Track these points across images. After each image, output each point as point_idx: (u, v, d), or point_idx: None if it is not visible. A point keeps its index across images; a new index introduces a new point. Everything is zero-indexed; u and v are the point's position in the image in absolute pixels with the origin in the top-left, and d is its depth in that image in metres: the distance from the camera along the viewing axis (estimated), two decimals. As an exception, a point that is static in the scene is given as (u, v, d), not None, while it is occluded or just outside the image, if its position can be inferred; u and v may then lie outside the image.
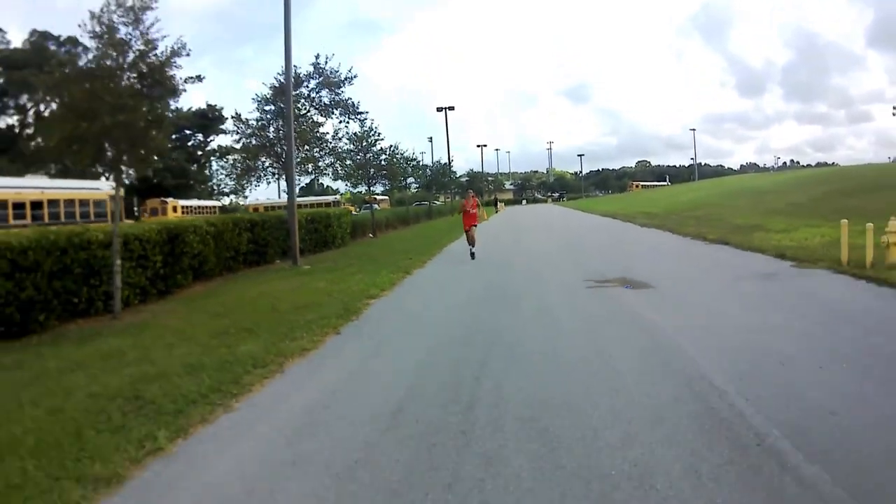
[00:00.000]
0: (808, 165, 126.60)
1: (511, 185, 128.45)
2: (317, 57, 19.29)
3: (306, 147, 19.21)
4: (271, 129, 18.59)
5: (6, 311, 8.22)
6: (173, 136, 56.60)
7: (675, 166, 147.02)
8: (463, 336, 6.95)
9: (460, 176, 73.83)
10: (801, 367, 5.11)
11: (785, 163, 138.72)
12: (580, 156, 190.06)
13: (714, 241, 15.83)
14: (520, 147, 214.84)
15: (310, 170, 20.96)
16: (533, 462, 3.55)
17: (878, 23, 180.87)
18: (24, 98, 48.51)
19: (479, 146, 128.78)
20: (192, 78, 10.62)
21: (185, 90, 10.55)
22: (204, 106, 58.18)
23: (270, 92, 18.07)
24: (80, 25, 9.04)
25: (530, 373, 5.34)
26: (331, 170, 22.59)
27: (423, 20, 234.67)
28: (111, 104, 8.81)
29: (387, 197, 67.35)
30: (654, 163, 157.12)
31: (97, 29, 9.07)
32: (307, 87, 18.87)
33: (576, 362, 5.60)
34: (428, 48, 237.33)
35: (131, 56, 9.24)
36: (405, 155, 33.05)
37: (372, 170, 26.90)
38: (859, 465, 3.29)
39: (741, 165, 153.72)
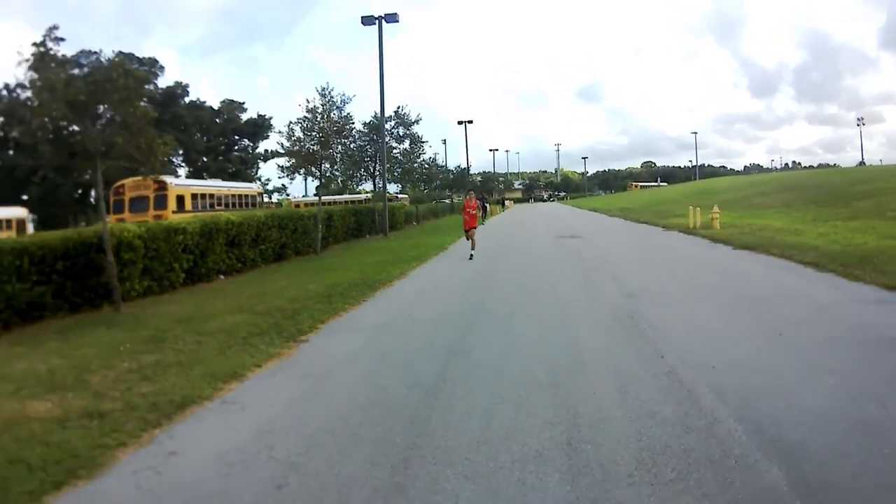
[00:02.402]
0: (810, 167, 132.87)
1: (520, 184, 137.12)
2: (398, 108, 29.41)
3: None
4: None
5: (279, 250, 17.64)
6: (227, 142, 66.50)
7: (679, 167, 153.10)
8: (492, 251, 16.49)
9: (475, 176, 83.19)
10: (633, 255, 14.65)
11: (787, 164, 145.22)
12: (584, 158, 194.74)
13: (641, 222, 25.47)
14: (530, 146, 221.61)
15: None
16: (516, 290, 13.06)
17: (891, 24, 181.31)
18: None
19: (491, 150, 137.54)
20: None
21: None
22: (255, 115, 67.60)
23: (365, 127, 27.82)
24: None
25: (521, 264, 14.83)
26: (389, 175, 32.22)
27: (435, 19, 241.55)
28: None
29: (406, 196, 76.79)
30: (660, 163, 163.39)
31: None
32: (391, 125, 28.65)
33: (540, 259, 15.12)
34: (439, 48, 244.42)
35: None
36: (437, 163, 42.61)
37: (416, 175, 36.56)
38: (662, 298, 12.84)
39: (745, 167, 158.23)
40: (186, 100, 52.30)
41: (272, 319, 8.16)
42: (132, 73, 10.09)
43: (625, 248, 16.44)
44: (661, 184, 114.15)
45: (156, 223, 13.07)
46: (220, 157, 66.21)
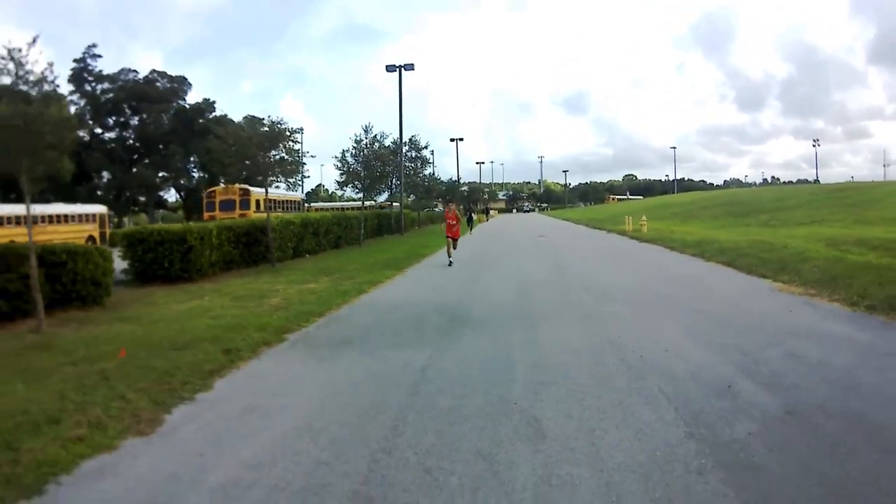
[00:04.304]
0: (789, 182, 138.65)
1: (504, 195, 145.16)
2: (412, 137, 36.91)
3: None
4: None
5: (336, 240, 25.01)
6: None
7: (659, 180, 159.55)
8: (487, 241, 24.12)
9: (462, 187, 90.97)
10: (574, 243, 22.40)
11: (766, 179, 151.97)
12: (565, 171, 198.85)
13: (597, 228, 33.33)
14: (515, 156, 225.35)
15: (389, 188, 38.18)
16: (502, 253, 20.73)
17: (880, 39, 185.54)
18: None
19: (478, 163, 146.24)
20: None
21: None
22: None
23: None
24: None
25: (504, 245, 22.48)
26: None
27: (422, 28, 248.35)
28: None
29: (397, 203, 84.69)
30: (644, 175, 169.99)
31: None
32: (405, 148, 36.26)
33: (516, 244, 22.80)
34: (427, 59, 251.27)
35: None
36: (436, 177, 50.34)
37: (420, 188, 44.17)
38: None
39: (724, 181, 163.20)
40: (211, 115, 59.22)
41: (374, 270, 15.66)
42: (283, 132, 17.45)
43: (571, 241, 24.31)
44: (636, 197, 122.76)
45: (277, 218, 20.25)
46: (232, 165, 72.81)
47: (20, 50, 8.52)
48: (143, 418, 4.67)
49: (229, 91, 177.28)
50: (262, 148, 16.92)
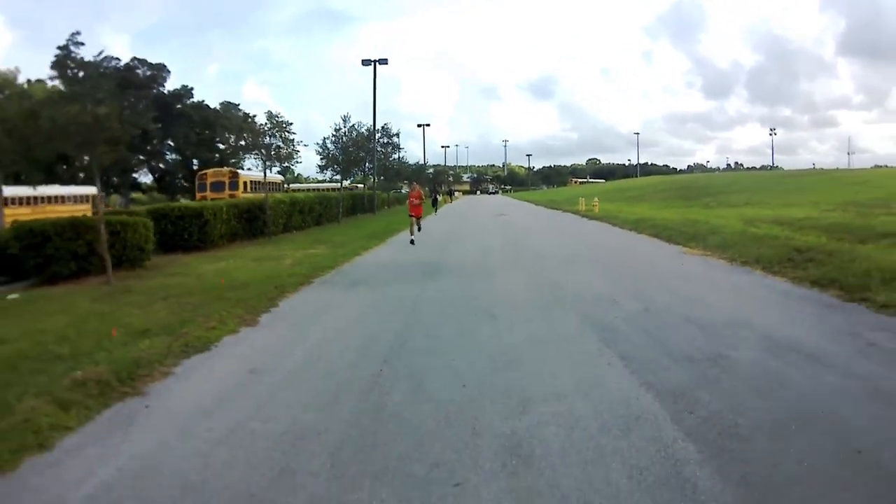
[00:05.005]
0: (753, 168, 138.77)
1: (468, 177, 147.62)
2: (384, 125, 39.29)
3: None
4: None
5: (317, 218, 27.52)
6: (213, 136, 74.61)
7: (622, 164, 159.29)
8: (454, 217, 26.95)
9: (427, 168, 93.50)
10: (529, 221, 25.39)
11: (730, 164, 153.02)
12: (528, 155, 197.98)
13: (553, 208, 36.46)
14: (480, 139, 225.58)
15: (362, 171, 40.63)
16: (469, 227, 23.60)
17: (850, 31, 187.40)
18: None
19: (443, 146, 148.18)
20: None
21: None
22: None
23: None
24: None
25: (470, 221, 25.35)
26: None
27: (390, 11, 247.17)
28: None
29: (362, 185, 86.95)
30: (607, 160, 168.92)
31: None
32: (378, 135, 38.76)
33: (480, 220, 25.70)
34: (393, 42, 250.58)
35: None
36: (404, 160, 52.90)
37: (390, 171, 46.67)
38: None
39: (688, 166, 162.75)
40: (189, 101, 60.41)
41: (361, 240, 18.28)
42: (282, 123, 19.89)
43: (529, 219, 27.37)
44: (598, 180, 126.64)
45: (272, 198, 22.58)
46: (206, 149, 74.12)
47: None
48: (245, 319, 7.34)
49: (197, 73, 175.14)
50: (260, 136, 19.34)
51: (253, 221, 19.75)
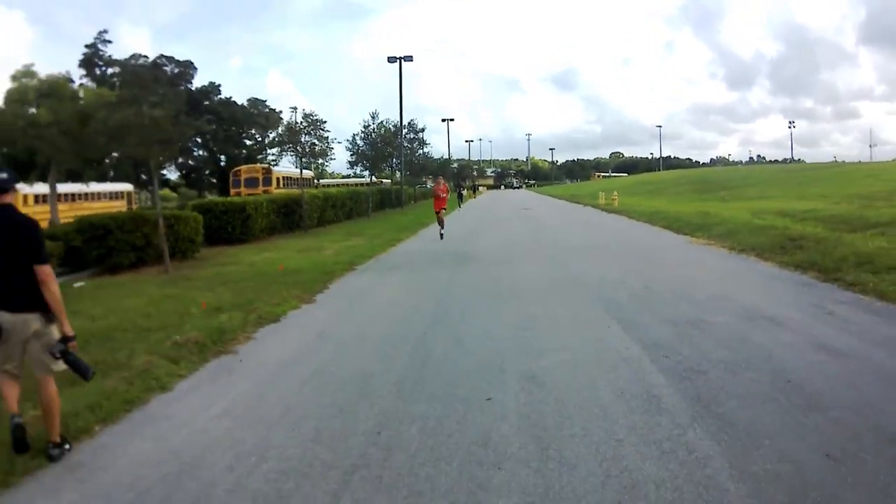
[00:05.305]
0: (775, 161, 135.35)
1: (492, 172, 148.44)
2: (411, 121, 40.56)
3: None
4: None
5: (348, 212, 28.93)
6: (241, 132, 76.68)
7: (645, 158, 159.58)
8: (479, 213, 28.15)
9: (452, 163, 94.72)
10: (551, 214, 26.52)
11: (752, 157, 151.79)
12: (551, 149, 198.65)
13: (575, 202, 37.41)
14: (504, 133, 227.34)
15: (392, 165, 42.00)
16: (493, 219, 24.81)
17: (871, 20, 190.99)
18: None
19: (467, 141, 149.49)
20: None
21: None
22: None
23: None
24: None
25: (495, 214, 26.54)
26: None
27: (413, 5, 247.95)
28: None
29: (388, 180, 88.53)
30: (631, 153, 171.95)
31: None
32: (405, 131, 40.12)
33: (504, 214, 26.85)
34: (418, 37, 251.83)
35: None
36: (430, 156, 54.23)
37: (416, 166, 47.98)
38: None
39: (711, 159, 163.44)
40: (217, 98, 62.31)
41: (393, 232, 19.60)
42: (318, 122, 21.31)
43: (551, 212, 28.39)
44: (620, 174, 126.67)
45: (307, 193, 24.00)
46: (233, 145, 76.09)
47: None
48: (304, 298, 8.69)
49: (218, 67, 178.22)
50: (297, 134, 20.76)
51: (290, 216, 21.19)
